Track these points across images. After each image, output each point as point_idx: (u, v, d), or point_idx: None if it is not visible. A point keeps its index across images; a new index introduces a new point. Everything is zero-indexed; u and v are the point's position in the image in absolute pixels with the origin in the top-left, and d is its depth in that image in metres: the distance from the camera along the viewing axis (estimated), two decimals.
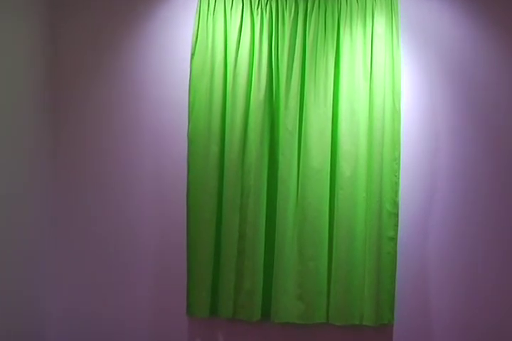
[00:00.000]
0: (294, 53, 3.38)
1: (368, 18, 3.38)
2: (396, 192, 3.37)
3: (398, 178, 3.37)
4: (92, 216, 3.58)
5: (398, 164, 3.37)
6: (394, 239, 3.38)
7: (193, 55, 3.44)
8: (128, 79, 3.53)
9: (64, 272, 3.57)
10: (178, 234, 3.52)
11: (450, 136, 3.47)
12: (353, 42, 3.38)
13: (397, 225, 3.38)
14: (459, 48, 3.47)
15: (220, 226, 3.45)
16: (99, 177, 3.57)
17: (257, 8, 3.41)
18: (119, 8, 3.56)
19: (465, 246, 3.49)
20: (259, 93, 3.37)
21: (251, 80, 3.39)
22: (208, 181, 3.42)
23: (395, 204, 3.37)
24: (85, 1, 3.53)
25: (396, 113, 3.37)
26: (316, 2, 3.40)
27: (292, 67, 3.38)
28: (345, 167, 3.37)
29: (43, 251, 3.53)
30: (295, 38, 3.38)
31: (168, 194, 3.54)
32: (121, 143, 3.55)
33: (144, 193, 3.55)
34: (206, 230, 3.44)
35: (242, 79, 3.39)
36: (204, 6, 3.44)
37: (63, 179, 3.59)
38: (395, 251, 3.38)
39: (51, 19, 3.50)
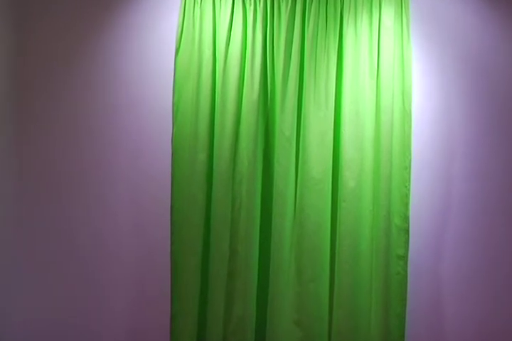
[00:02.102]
0: (291, 49, 3.24)
1: (374, 9, 3.24)
2: (406, 204, 3.22)
3: (409, 189, 3.23)
4: (61, 232, 3.39)
5: (409, 173, 3.23)
6: (404, 258, 3.23)
7: (177, 50, 3.28)
8: (103, 79, 3.37)
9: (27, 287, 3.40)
10: (161, 252, 3.34)
11: (468, 141, 3.35)
12: (358, 36, 3.24)
13: (407, 242, 3.23)
14: (477, 41, 3.34)
15: (208, 243, 3.29)
16: (71, 190, 3.38)
17: None
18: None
19: (484, 266, 3.36)
20: (252, 94, 3.23)
21: (243, 79, 3.26)
22: (194, 193, 3.26)
23: (405, 218, 3.23)
24: None
25: (406, 115, 3.22)
26: None
27: (289, 64, 3.24)
28: (348, 177, 3.23)
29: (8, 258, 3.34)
30: (292, 32, 3.24)
31: (150, 207, 3.37)
32: (97, 151, 3.38)
33: (122, 207, 3.38)
34: (192, 248, 3.27)
35: (232, 78, 3.24)
36: None
37: (30, 192, 3.42)
38: (405, 272, 3.23)
39: (16, 19, 3.34)
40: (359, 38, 3.25)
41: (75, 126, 3.38)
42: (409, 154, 3.23)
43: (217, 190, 3.26)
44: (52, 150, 3.37)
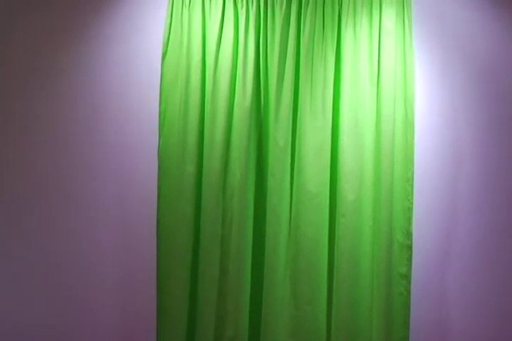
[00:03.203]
0: (286, 53, 3.19)
1: (374, 11, 3.19)
2: (409, 219, 3.17)
3: (411, 203, 3.17)
4: (39, 244, 3.29)
5: (411, 186, 3.17)
6: (407, 277, 3.17)
7: (164, 55, 3.23)
8: (83, 86, 3.30)
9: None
10: (147, 271, 3.26)
11: (475, 151, 3.29)
12: (357, 40, 3.20)
13: (410, 260, 3.18)
14: (483, 44, 3.29)
15: (197, 261, 3.22)
16: (51, 202, 3.30)
17: None
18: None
19: (493, 286, 3.28)
20: (244, 101, 3.18)
21: (234, 86, 3.20)
22: (182, 207, 3.20)
23: (408, 234, 3.17)
24: None
25: (409, 124, 3.18)
26: None
27: (284, 70, 3.19)
28: (347, 190, 3.17)
29: None
30: (287, 35, 3.20)
31: (135, 223, 3.29)
32: (78, 162, 3.31)
33: (105, 222, 3.30)
34: (180, 266, 3.20)
35: (223, 85, 3.19)
36: None
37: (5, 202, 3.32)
38: (408, 292, 3.16)
39: None
40: (358, 42, 3.20)
41: (54, 138, 3.30)
42: (412, 166, 3.19)
43: (206, 204, 3.20)
44: (32, 162, 3.31)
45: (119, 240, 3.30)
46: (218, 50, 3.19)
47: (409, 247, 3.16)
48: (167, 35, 3.21)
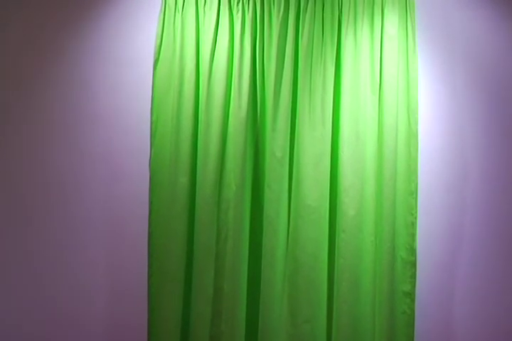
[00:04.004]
0: (283, 60, 3.16)
1: (376, 15, 3.17)
2: (413, 235, 3.14)
3: (415, 218, 3.14)
4: (26, 261, 3.26)
5: (415, 200, 3.14)
6: (410, 295, 3.13)
7: (156, 62, 3.20)
8: (72, 95, 3.27)
9: None
10: (137, 288, 3.21)
11: (482, 164, 3.25)
12: (358, 46, 3.17)
13: (414, 277, 3.14)
14: (490, 49, 3.26)
15: (190, 278, 3.16)
16: (36, 215, 3.25)
17: (238, 3, 3.17)
18: (59, 4, 3.29)
19: (503, 305, 3.24)
20: (239, 111, 3.14)
21: (229, 95, 3.18)
22: (174, 222, 3.16)
23: (412, 250, 3.14)
24: None
25: (412, 135, 3.15)
26: None
27: (281, 78, 3.17)
28: (348, 204, 3.13)
29: None
30: (285, 41, 3.17)
31: (124, 238, 3.25)
32: (66, 173, 3.27)
33: (93, 236, 3.26)
34: (173, 284, 3.14)
35: (218, 94, 3.15)
36: (170, 2, 3.19)
37: None
38: (412, 311, 3.13)
39: None
40: (359, 48, 3.17)
41: (40, 148, 3.28)
42: (416, 178, 3.15)
43: (200, 218, 3.15)
44: (17, 174, 3.27)
45: (108, 256, 3.27)
46: (213, 57, 3.16)
47: (413, 264, 3.12)
48: (159, 41, 3.18)
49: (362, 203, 3.13)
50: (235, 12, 3.15)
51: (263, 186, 3.17)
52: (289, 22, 3.15)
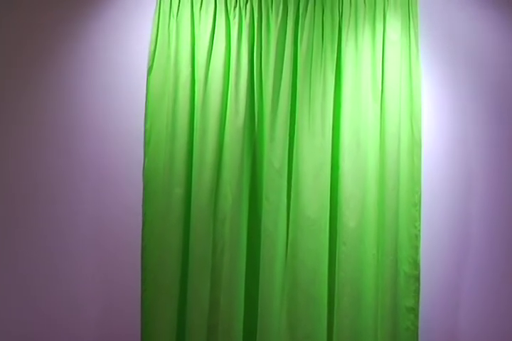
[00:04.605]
0: (282, 67, 3.15)
1: (378, 21, 3.15)
2: (416, 248, 3.10)
3: (419, 230, 3.11)
4: (14, 273, 3.21)
5: (418, 211, 3.12)
6: (414, 311, 3.10)
7: (150, 69, 3.18)
8: (64, 103, 3.23)
9: None
10: (130, 303, 3.19)
11: (487, 174, 3.23)
12: (359, 52, 3.15)
13: (417, 292, 3.10)
14: (499, 57, 3.24)
15: (186, 292, 3.14)
16: (25, 225, 3.22)
17: (234, 8, 3.14)
18: (52, 6, 3.25)
19: (508, 319, 3.20)
20: (236, 119, 3.12)
21: (226, 102, 3.15)
22: (169, 234, 3.13)
23: (415, 264, 3.10)
24: None
25: (416, 144, 3.13)
26: (311, 0, 3.15)
27: (280, 85, 3.15)
28: (348, 216, 3.11)
29: None
30: (283, 47, 3.14)
31: (116, 251, 3.21)
32: (56, 183, 3.22)
33: (84, 248, 3.22)
34: (167, 298, 3.11)
35: (214, 102, 3.13)
36: (165, 6, 3.16)
37: None
38: (416, 327, 3.09)
39: None
40: (360, 54, 3.15)
41: (30, 158, 3.24)
42: (419, 189, 3.12)
43: (195, 230, 3.13)
44: (6, 184, 3.23)
45: (99, 270, 3.23)
46: (209, 64, 3.14)
47: (417, 278, 3.08)
48: (153, 47, 3.16)
49: (363, 215, 3.10)
50: (231, 17, 3.13)
51: (261, 197, 3.15)
52: (288, 27, 3.13)
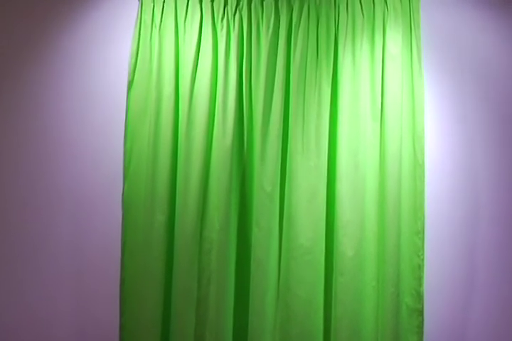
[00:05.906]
0: (273, 83, 3.07)
1: (377, 33, 3.08)
2: (419, 279, 3.01)
3: (422, 260, 3.02)
4: None
5: (422, 240, 3.02)
6: None
7: (130, 84, 3.10)
8: (38, 121, 3.14)
9: None
10: (108, 339, 3.09)
11: (494, 199, 3.13)
12: (357, 67, 3.07)
13: (421, 326, 3.01)
14: (506, 72, 3.16)
15: (168, 328, 3.04)
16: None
17: (222, 19, 3.07)
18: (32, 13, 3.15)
19: None
20: (224, 139, 3.04)
21: (213, 121, 3.07)
22: (151, 265, 3.04)
23: (419, 296, 3.01)
24: None
25: (418, 166, 3.05)
26: (305, 11, 3.06)
27: (271, 102, 3.07)
28: (346, 244, 3.01)
29: None
30: (275, 62, 3.07)
31: (93, 282, 3.11)
32: (30, 207, 3.13)
33: (58, 278, 3.10)
34: (148, 335, 3.01)
35: (199, 120, 3.05)
36: (146, 17, 3.08)
37: None
38: None
39: None
40: (358, 69, 3.07)
41: (1, 181, 3.16)
42: (422, 215, 3.03)
43: (179, 260, 3.03)
44: None
45: (74, 302, 3.13)
46: (194, 79, 3.05)
47: (420, 312, 2.99)
48: (134, 61, 3.08)
49: (362, 243, 3.00)
50: (219, 28, 3.05)
51: (250, 224, 3.06)
52: (280, 40, 3.05)
